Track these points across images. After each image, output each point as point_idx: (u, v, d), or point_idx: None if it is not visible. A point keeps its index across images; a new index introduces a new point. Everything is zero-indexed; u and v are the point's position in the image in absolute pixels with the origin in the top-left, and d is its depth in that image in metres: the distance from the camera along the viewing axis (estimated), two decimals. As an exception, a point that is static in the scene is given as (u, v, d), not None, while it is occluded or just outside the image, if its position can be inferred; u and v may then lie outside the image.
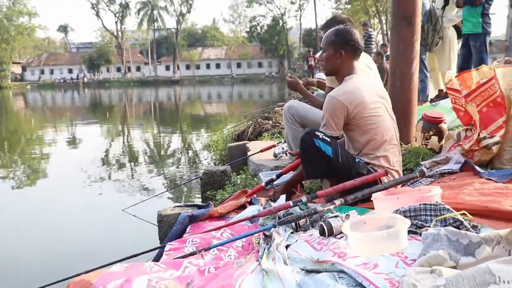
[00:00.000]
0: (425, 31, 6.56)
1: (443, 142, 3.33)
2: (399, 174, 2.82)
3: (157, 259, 2.40)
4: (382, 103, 2.89)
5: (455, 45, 7.12)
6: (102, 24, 78.67)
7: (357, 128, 2.83)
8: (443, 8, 6.84)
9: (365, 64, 3.46)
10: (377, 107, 2.83)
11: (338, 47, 2.91)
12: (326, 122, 2.79)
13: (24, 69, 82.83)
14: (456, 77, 3.11)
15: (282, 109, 5.36)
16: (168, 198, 5.74)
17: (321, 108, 3.00)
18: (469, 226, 1.84)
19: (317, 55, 3.42)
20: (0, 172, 7.93)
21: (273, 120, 7.52)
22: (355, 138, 2.87)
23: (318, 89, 5.00)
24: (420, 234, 1.88)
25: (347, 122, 2.81)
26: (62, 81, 74.29)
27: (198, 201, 5.17)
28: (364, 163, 2.79)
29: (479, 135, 2.90)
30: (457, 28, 6.88)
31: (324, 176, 3.04)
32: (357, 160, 2.77)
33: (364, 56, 3.36)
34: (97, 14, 75.37)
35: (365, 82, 2.93)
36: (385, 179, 2.68)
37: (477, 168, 2.75)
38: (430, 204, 2.03)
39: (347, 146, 2.96)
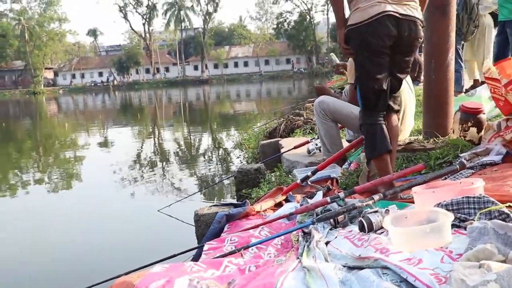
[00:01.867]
0: (460, 20, 6.42)
1: (482, 133, 3.25)
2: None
3: (196, 258, 2.40)
4: None
5: (492, 33, 6.95)
6: (130, 26, 79.36)
7: None
8: None
9: None
10: None
11: None
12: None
13: (56, 74, 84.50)
14: (494, 65, 3.03)
15: (313, 105, 5.33)
16: (203, 198, 5.76)
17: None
18: (516, 219, 1.78)
19: None
20: (36, 176, 8.09)
21: (304, 116, 7.48)
22: None
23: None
24: (464, 228, 1.83)
25: None
26: (92, 84, 75.59)
27: (232, 200, 5.17)
28: None
29: (520, 124, 2.82)
30: (494, 15, 6.71)
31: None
32: None
33: None
34: (125, 17, 76.40)
35: None
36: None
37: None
38: (473, 197, 1.97)
39: None
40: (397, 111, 2.96)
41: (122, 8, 75.15)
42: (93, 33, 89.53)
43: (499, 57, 6.03)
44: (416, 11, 2.64)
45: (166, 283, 1.74)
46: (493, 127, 3.08)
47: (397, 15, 2.58)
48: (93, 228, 4.84)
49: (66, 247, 4.33)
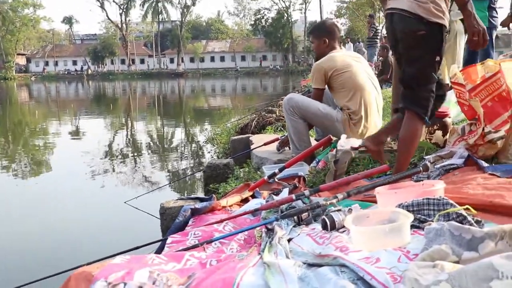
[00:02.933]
0: None
1: (447, 136, 3.31)
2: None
3: (159, 251, 2.39)
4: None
5: (463, 40, 7.07)
6: (107, 16, 78.53)
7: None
8: (451, 1, 6.79)
9: (351, 57, 4.20)
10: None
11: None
12: None
13: (28, 60, 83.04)
14: (461, 71, 3.09)
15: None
16: (171, 191, 5.75)
17: None
18: (473, 221, 1.82)
19: None
20: (3, 163, 7.95)
21: (277, 113, 7.51)
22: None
23: None
24: (423, 229, 1.87)
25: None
26: (66, 73, 74.53)
27: (201, 194, 5.17)
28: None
29: (483, 129, 2.88)
30: (464, 22, 6.83)
31: None
32: None
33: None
34: (102, 6, 75.54)
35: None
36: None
37: (481, 162, 2.73)
38: (434, 199, 2.01)
39: None
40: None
41: (99, -3, 74.21)
42: (68, 20, 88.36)
43: (468, 62, 6.14)
44: (402, 2, 2.65)
45: (126, 275, 1.74)
46: (458, 131, 3.14)
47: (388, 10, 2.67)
48: (57, 218, 4.80)
49: (26, 236, 4.27)
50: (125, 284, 1.69)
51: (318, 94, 4.11)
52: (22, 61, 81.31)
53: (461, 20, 6.76)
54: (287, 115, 4.11)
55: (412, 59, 2.71)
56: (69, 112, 19.10)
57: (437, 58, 2.66)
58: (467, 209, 1.93)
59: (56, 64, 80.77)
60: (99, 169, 7.12)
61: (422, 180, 2.57)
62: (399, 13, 2.65)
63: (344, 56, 4.12)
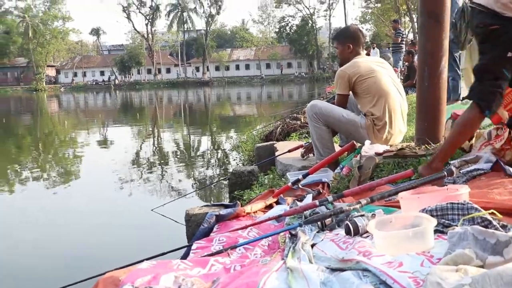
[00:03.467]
0: (458, 29, 6.44)
1: (473, 141, 3.28)
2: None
3: (184, 257, 2.42)
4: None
5: None
6: (133, 26, 79.35)
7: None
8: None
9: (375, 62, 4.15)
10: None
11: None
12: None
13: (58, 71, 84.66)
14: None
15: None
16: (196, 198, 5.79)
17: None
18: (498, 226, 1.80)
19: None
20: (34, 172, 8.11)
21: (302, 120, 7.51)
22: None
23: None
24: (447, 233, 1.86)
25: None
26: (94, 83, 75.68)
27: (226, 201, 5.20)
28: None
29: (510, 133, 2.84)
30: None
31: None
32: None
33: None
34: (128, 17, 76.51)
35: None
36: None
37: (509, 168, 2.69)
38: (458, 203, 2.00)
39: None
40: None
41: (125, 8, 75.32)
42: (96, 32, 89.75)
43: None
44: None
45: (152, 279, 1.77)
46: (484, 136, 3.11)
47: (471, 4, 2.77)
48: (86, 225, 4.88)
49: (58, 243, 4.37)
50: (151, 288, 1.72)
51: (342, 100, 4.09)
52: (52, 72, 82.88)
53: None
54: (310, 122, 4.11)
55: (482, 52, 2.76)
56: (97, 121, 19.38)
57: (510, 54, 2.62)
58: (492, 213, 1.91)
59: (84, 75, 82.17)
60: (127, 177, 7.21)
61: (447, 185, 2.55)
62: (477, 8, 2.68)
63: (368, 61, 4.09)
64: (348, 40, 4.16)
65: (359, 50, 4.16)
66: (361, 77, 3.92)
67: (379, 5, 58.19)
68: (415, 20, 45.27)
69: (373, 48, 18.97)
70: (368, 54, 4.42)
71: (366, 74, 3.92)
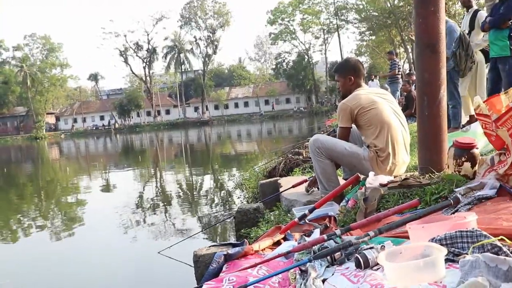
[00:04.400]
0: (457, 57, 6.54)
1: (476, 167, 3.28)
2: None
3: (195, 299, 2.41)
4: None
5: (484, 70, 7.09)
6: (131, 70, 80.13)
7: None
8: (469, 33, 6.84)
9: (376, 94, 4.17)
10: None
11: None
12: None
13: (57, 118, 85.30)
14: (484, 102, 3.09)
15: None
16: (203, 238, 5.76)
17: None
18: (509, 252, 1.80)
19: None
20: (37, 221, 8.08)
21: (304, 155, 7.53)
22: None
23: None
24: (458, 262, 1.85)
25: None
26: (94, 128, 76.14)
27: (233, 240, 5.17)
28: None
29: (513, 158, 2.85)
30: (484, 52, 6.86)
31: None
32: None
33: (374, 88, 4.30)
34: (126, 61, 77.33)
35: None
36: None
37: (514, 192, 2.70)
38: (466, 231, 2.00)
39: None
40: None
41: (122, 53, 76.23)
42: (94, 77, 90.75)
43: (492, 92, 6.13)
44: None
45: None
46: (487, 162, 3.12)
47: None
48: (92, 271, 4.85)
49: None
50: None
51: (344, 133, 4.11)
52: (51, 119, 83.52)
53: (481, 50, 6.79)
54: (313, 156, 4.12)
55: None
56: (99, 166, 19.40)
57: None
58: (501, 239, 1.90)
59: (84, 120, 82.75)
60: (131, 221, 7.19)
61: (454, 213, 2.55)
62: None
63: (369, 93, 4.12)
64: (349, 73, 4.20)
65: (360, 82, 4.21)
66: (363, 109, 3.95)
67: (373, 37, 59.01)
68: (409, 50, 45.87)
69: (372, 80, 19.13)
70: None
71: (368, 106, 3.96)
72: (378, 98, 4.07)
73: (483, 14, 6.93)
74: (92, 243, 6.16)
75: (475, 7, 7.18)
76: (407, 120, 4.37)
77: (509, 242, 1.93)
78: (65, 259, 5.49)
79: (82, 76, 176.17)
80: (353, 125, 4.14)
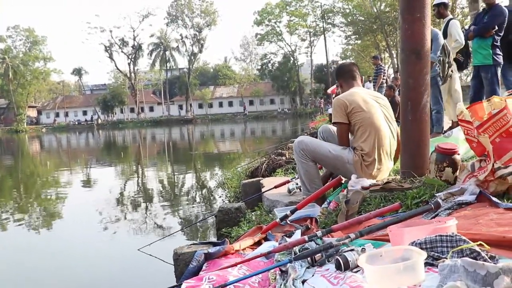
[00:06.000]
0: (441, 64, 6.62)
1: (457, 173, 3.32)
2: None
3: (174, 297, 2.40)
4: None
5: (457, 77, 7.26)
6: (115, 66, 79.44)
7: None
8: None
9: (372, 96, 4.17)
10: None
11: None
12: None
13: (39, 112, 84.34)
14: (467, 108, 3.12)
15: (295, 145, 5.39)
16: (183, 236, 5.74)
17: None
18: (487, 257, 1.82)
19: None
20: (16, 215, 7.99)
21: (287, 156, 7.54)
22: None
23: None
24: (437, 266, 1.87)
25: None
26: (76, 123, 75.44)
27: (213, 239, 5.16)
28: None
29: (493, 165, 2.89)
30: (455, 60, 6.97)
31: None
32: None
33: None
34: (111, 57, 76.73)
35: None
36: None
37: (493, 198, 2.73)
38: (446, 236, 2.01)
39: None
40: None
41: (107, 48, 75.64)
42: (78, 72, 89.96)
43: (474, 99, 6.22)
44: None
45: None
46: (468, 168, 3.15)
47: None
48: (71, 267, 4.80)
49: (42, 285, 4.28)
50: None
51: (342, 130, 4.06)
52: (33, 113, 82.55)
53: (454, 59, 6.88)
54: (297, 158, 4.12)
55: None
56: (80, 161, 19.24)
57: None
58: (480, 245, 1.92)
59: (66, 115, 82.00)
60: (111, 217, 7.14)
61: (434, 217, 2.57)
62: None
63: (365, 94, 4.11)
64: (338, 78, 4.35)
65: (351, 82, 4.23)
66: (356, 109, 3.95)
67: (359, 41, 59.37)
68: (394, 55, 46.21)
69: (370, 82, 19.12)
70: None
71: (362, 106, 3.95)
72: (373, 102, 4.05)
73: (454, 23, 7.02)
74: (70, 237, 6.11)
75: (450, 16, 7.26)
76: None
77: (488, 247, 1.95)
78: (43, 253, 5.44)
79: (66, 71, 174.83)
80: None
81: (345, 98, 3.98)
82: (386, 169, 4.04)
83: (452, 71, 6.72)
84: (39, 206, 8.97)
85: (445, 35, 6.98)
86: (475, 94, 6.53)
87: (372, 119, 3.93)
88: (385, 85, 14.87)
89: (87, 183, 12.29)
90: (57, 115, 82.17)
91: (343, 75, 4.27)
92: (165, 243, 5.19)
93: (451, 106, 7.23)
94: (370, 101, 4.02)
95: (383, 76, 15.15)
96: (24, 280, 4.54)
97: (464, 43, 6.79)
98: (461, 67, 7.04)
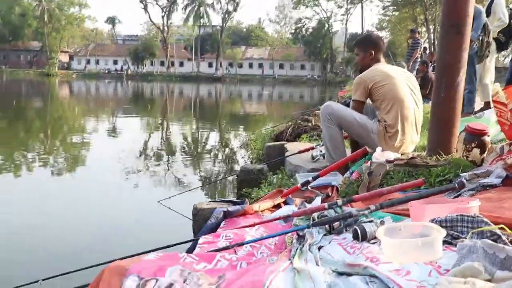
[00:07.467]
0: (479, 43, 6.45)
1: (485, 155, 3.26)
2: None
3: (190, 251, 2.43)
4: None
5: (494, 58, 7.07)
6: (149, 18, 79.43)
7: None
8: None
9: (394, 69, 4.19)
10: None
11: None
12: None
13: (71, 58, 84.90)
14: (503, 90, 3.05)
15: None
16: (203, 193, 5.80)
17: None
18: (507, 241, 1.80)
19: None
20: (41, 159, 8.14)
21: (313, 122, 7.49)
22: None
23: None
24: (455, 245, 1.85)
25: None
26: (106, 71, 75.77)
27: (233, 198, 5.21)
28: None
29: (523, 150, 2.83)
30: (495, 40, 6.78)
31: None
32: None
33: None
34: (145, 8, 76.54)
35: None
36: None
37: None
38: (468, 216, 1.99)
39: None
40: None
41: (143, -1, 75.39)
42: (111, 20, 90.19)
43: (510, 81, 6.05)
44: None
45: (158, 270, 1.78)
46: (496, 150, 3.09)
47: None
48: (92, 214, 4.90)
49: (63, 231, 4.38)
50: (156, 280, 1.73)
51: (357, 107, 4.08)
52: (65, 58, 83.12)
53: (495, 39, 6.68)
54: (323, 122, 4.12)
55: None
56: (107, 110, 19.43)
57: None
58: (502, 228, 1.90)
59: (97, 62, 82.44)
60: (133, 167, 7.24)
61: (457, 197, 2.55)
62: None
63: (387, 69, 4.09)
64: (370, 47, 4.19)
65: (379, 57, 4.19)
66: (377, 84, 3.92)
67: (397, 13, 58.00)
68: (431, 31, 45.12)
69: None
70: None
71: (383, 80, 3.91)
72: (395, 74, 4.03)
73: (499, 1, 6.79)
74: (92, 184, 6.22)
75: None
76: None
77: (509, 231, 1.93)
78: (63, 199, 5.51)
79: (100, 19, 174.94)
80: (368, 99, 4.11)
81: (366, 77, 3.98)
82: (411, 141, 4.01)
83: (489, 51, 6.54)
84: (64, 151, 9.14)
85: (488, 13, 6.76)
86: (512, 76, 6.36)
87: (395, 91, 3.92)
88: (419, 60, 14.58)
89: (112, 132, 12.44)
90: (88, 62, 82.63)
91: (378, 46, 4.20)
92: (185, 197, 5.25)
93: (482, 86, 7.07)
94: (393, 74, 4.01)
95: (419, 50, 14.82)
96: (44, 221, 4.64)
97: (507, 23, 6.58)
98: (501, 47, 6.84)
